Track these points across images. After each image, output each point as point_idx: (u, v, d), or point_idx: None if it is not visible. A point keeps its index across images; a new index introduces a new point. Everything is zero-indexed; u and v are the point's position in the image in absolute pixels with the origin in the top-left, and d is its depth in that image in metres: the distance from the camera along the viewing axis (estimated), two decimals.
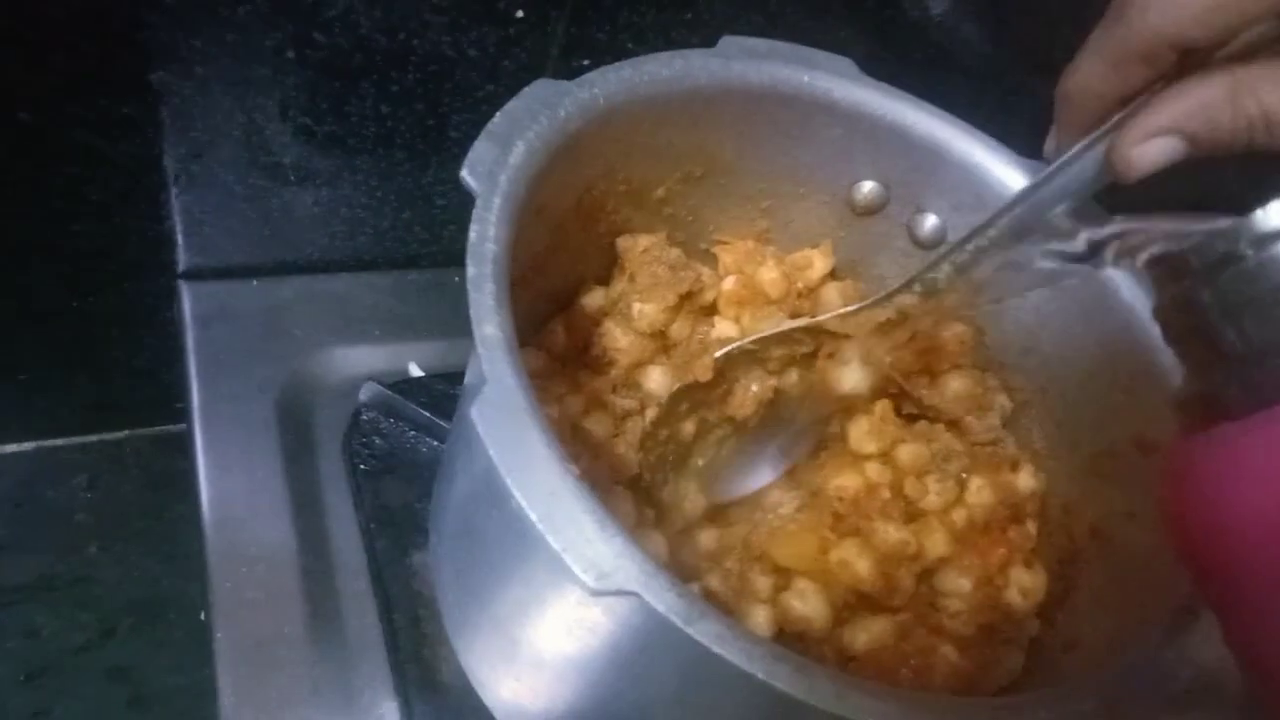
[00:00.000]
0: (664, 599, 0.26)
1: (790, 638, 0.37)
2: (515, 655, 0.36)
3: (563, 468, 0.27)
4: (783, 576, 0.38)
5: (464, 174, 0.32)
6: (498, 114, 0.34)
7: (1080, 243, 0.33)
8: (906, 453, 0.39)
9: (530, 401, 0.28)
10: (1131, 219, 0.30)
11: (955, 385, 0.42)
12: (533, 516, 0.26)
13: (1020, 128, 0.43)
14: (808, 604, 0.36)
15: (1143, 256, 0.27)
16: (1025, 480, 0.42)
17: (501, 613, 0.36)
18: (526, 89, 0.35)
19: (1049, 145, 0.35)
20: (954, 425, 0.43)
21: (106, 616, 0.59)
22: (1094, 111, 0.32)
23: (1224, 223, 0.24)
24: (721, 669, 0.26)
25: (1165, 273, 0.26)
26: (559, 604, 0.32)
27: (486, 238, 0.31)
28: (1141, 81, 0.31)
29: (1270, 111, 0.29)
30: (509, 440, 0.27)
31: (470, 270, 0.30)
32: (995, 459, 0.42)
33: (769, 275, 0.43)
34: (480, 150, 0.33)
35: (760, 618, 0.36)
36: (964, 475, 0.40)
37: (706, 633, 0.26)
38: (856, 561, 0.37)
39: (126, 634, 0.59)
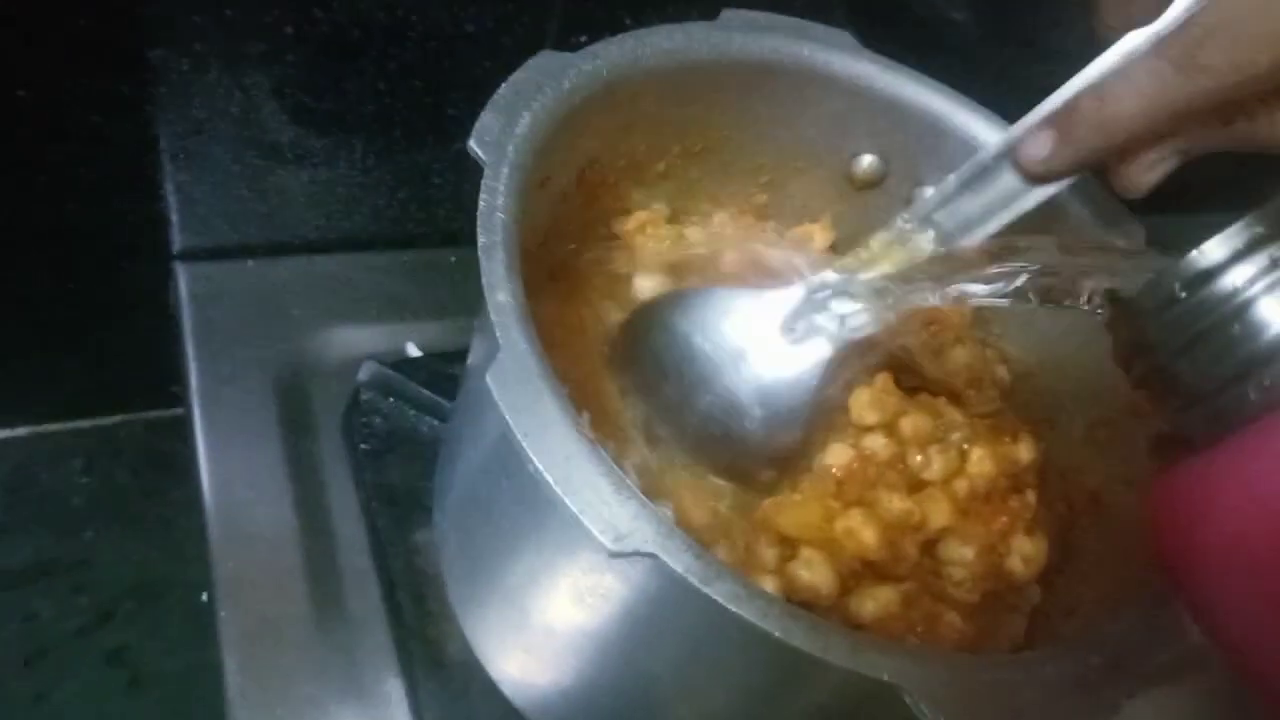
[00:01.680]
0: (681, 559, 0.26)
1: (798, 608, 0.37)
2: (524, 626, 0.37)
3: (578, 432, 0.27)
4: (789, 547, 0.38)
5: (471, 144, 0.32)
6: (503, 85, 0.34)
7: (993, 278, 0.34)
8: (909, 424, 0.40)
9: (544, 367, 0.28)
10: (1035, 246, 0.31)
11: (957, 357, 0.43)
12: (550, 479, 0.26)
13: (1013, 103, 0.43)
14: (815, 573, 0.36)
15: (1083, 298, 0.29)
16: (1025, 450, 0.42)
17: (511, 584, 0.36)
18: (531, 60, 0.35)
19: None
20: (954, 398, 0.43)
21: (104, 600, 0.59)
22: None
23: (1159, 262, 0.25)
24: (736, 629, 0.26)
25: (1116, 317, 0.27)
26: (571, 571, 0.32)
27: (496, 207, 0.31)
28: None
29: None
30: (524, 406, 0.27)
31: (481, 239, 0.30)
32: (995, 430, 0.42)
33: (770, 249, 0.43)
34: (486, 121, 0.33)
35: (768, 587, 0.37)
36: (965, 446, 0.41)
37: (723, 592, 0.26)
38: (862, 530, 0.37)
39: (124, 617, 0.59)
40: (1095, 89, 0.33)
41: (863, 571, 0.38)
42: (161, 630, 0.59)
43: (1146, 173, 0.34)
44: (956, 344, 0.43)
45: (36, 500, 0.61)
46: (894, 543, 0.38)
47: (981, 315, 0.45)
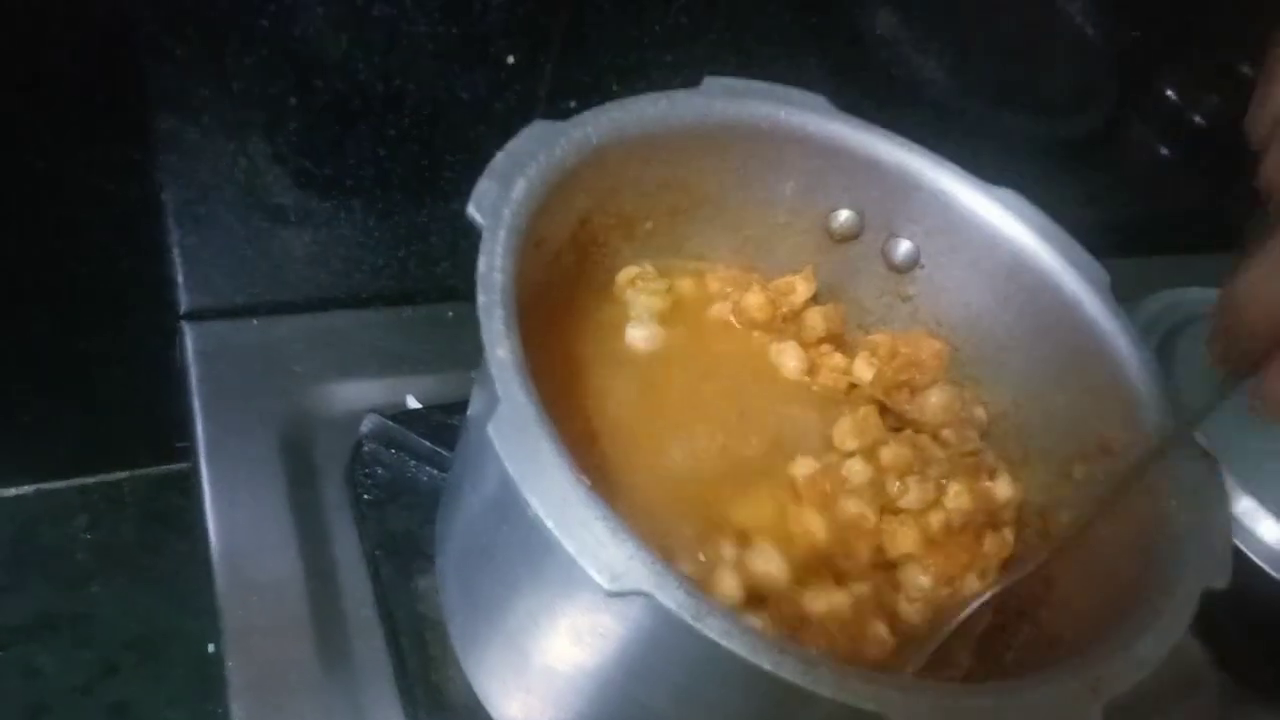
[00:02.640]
0: (674, 596, 0.28)
1: (756, 601, 0.38)
2: (525, 668, 0.38)
3: (575, 478, 0.29)
4: (745, 540, 0.40)
5: (470, 209, 0.34)
6: (499, 153, 0.36)
7: None
8: (889, 453, 0.42)
9: (542, 418, 0.30)
10: None
11: (935, 399, 0.45)
12: (549, 524, 0.28)
13: (983, 157, 0.46)
14: (769, 562, 0.38)
15: None
16: (1002, 488, 0.44)
17: (511, 626, 0.37)
18: (525, 130, 0.37)
19: (1210, 353, 0.32)
20: (935, 437, 0.45)
21: (108, 654, 0.60)
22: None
23: None
24: (729, 663, 0.28)
25: None
26: (569, 611, 0.33)
27: (494, 267, 0.33)
28: None
29: None
30: (523, 455, 0.29)
31: (481, 298, 0.32)
32: (974, 467, 0.44)
33: (755, 300, 0.45)
34: (484, 187, 0.35)
35: (729, 582, 0.38)
36: (943, 481, 0.42)
37: (715, 628, 0.28)
38: (812, 522, 0.39)
39: (128, 671, 0.59)
40: None
41: (819, 569, 0.39)
42: (165, 683, 0.59)
43: None
44: (934, 386, 0.45)
45: (40, 556, 0.62)
46: (846, 540, 0.40)
47: (957, 358, 0.47)
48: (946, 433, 0.45)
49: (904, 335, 0.47)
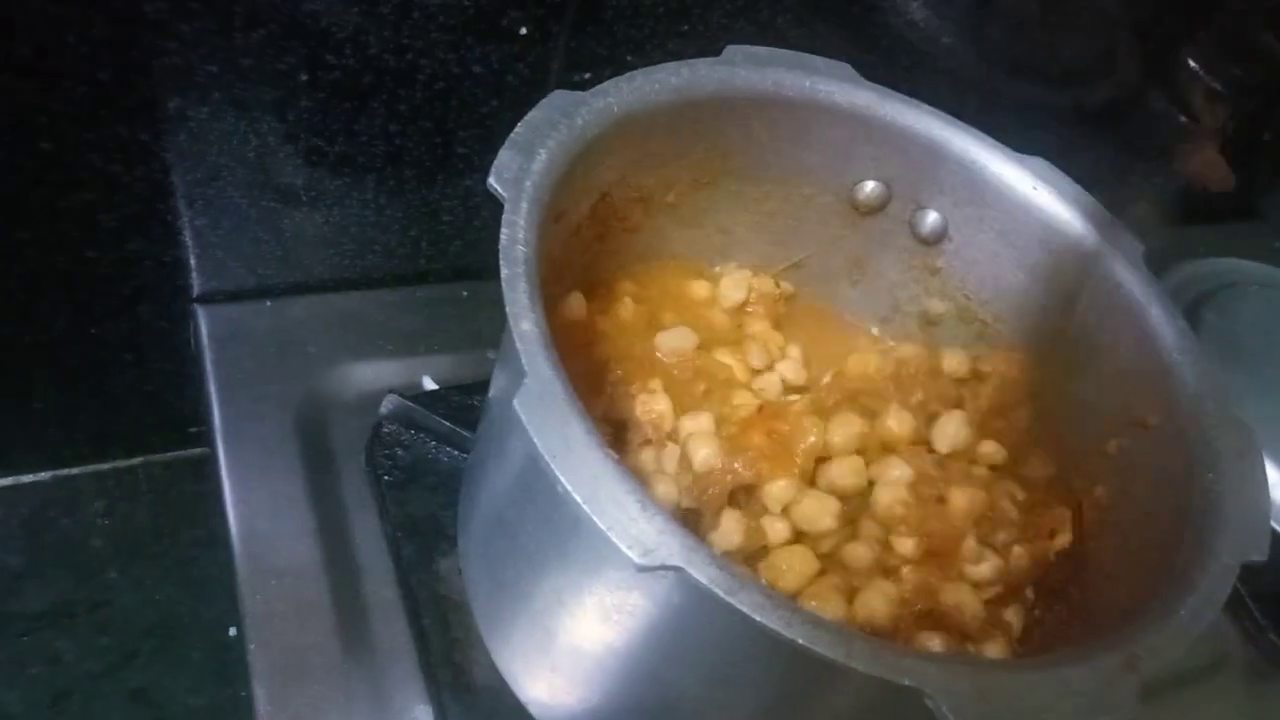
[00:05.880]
0: (706, 571, 0.27)
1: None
2: (551, 647, 0.37)
3: (603, 453, 0.28)
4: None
5: (491, 181, 0.33)
6: (519, 124, 0.35)
7: None
8: (963, 497, 0.40)
9: (569, 392, 0.29)
10: None
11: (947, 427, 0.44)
12: (579, 498, 0.27)
13: (1001, 128, 0.45)
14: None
15: None
16: (1060, 540, 0.43)
17: (537, 605, 0.37)
18: (545, 99, 0.36)
19: None
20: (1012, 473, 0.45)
21: (127, 640, 0.60)
22: None
23: None
24: (761, 638, 0.27)
25: None
26: (597, 589, 0.33)
27: (516, 240, 0.32)
28: None
29: None
30: (551, 429, 0.28)
31: (504, 271, 0.31)
32: (1038, 526, 0.43)
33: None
34: (505, 158, 0.34)
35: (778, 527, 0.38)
36: (1012, 546, 0.41)
37: (748, 602, 0.27)
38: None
39: (147, 657, 0.59)
40: None
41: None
42: (184, 668, 0.59)
43: None
44: (950, 411, 0.44)
45: (57, 543, 0.61)
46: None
47: (986, 332, 0.46)
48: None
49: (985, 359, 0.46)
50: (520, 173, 0.34)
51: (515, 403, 0.29)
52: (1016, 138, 0.44)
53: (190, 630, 0.61)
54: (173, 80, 0.46)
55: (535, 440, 0.28)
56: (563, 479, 0.28)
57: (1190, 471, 0.37)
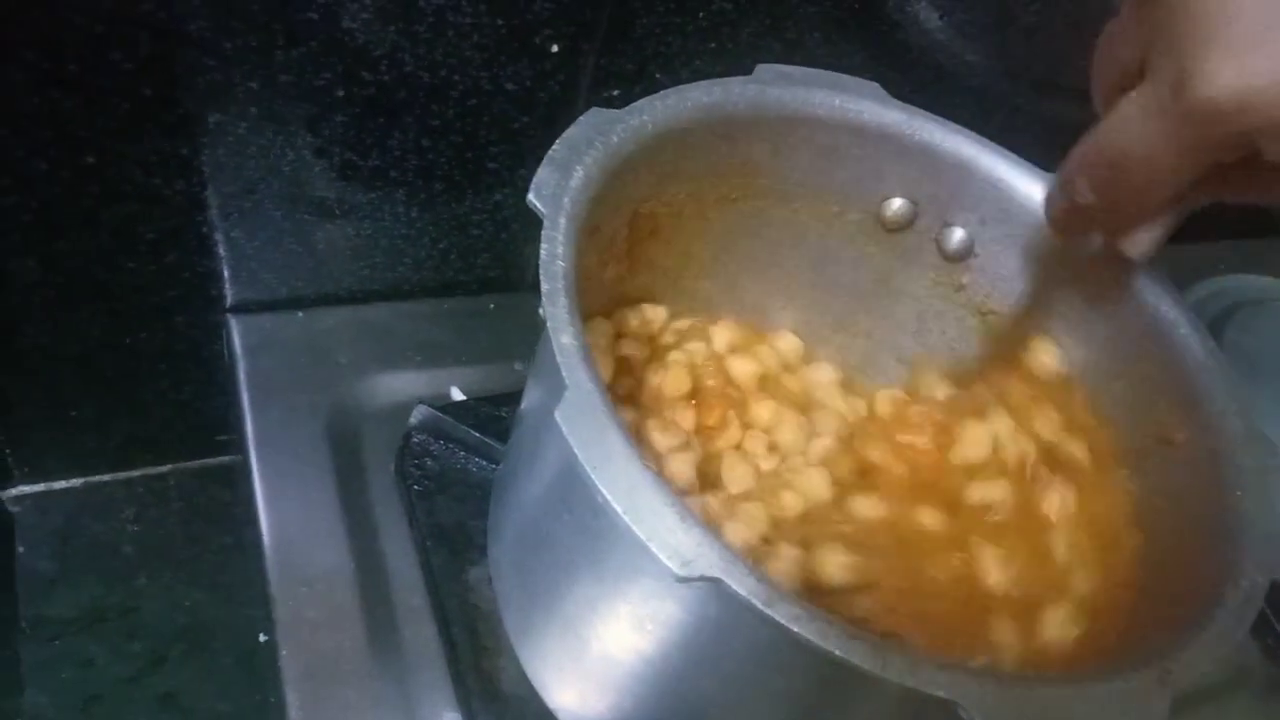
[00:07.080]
0: (745, 583, 0.28)
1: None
2: (583, 655, 0.38)
3: (642, 464, 0.29)
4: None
5: (530, 197, 0.34)
6: (557, 141, 0.36)
7: None
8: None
9: (608, 404, 0.30)
10: None
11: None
12: (618, 508, 0.28)
13: (1026, 144, 0.45)
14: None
15: None
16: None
17: (570, 613, 0.37)
18: (582, 117, 0.37)
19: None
20: None
21: (156, 645, 0.60)
22: None
23: None
24: (796, 649, 0.28)
25: None
26: (632, 598, 0.33)
27: (555, 255, 0.33)
28: None
29: None
30: (591, 440, 0.29)
31: (544, 286, 0.32)
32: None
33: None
34: (544, 175, 0.35)
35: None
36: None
37: (785, 614, 0.28)
38: None
39: (176, 662, 0.60)
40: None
41: None
42: (213, 674, 0.60)
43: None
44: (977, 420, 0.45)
45: (88, 549, 0.62)
46: None
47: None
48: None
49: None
50: (559, 189, 0.35)
51: (557, 414, 0.29)
52: (1041, 154, 0.45)
53: (219, 635, 0.61)
54: (213, 96, 0.47)
55: (576, 451, 0.29)
56: (603, 489, 0.28)
57: (1217, 488, 0.37)
